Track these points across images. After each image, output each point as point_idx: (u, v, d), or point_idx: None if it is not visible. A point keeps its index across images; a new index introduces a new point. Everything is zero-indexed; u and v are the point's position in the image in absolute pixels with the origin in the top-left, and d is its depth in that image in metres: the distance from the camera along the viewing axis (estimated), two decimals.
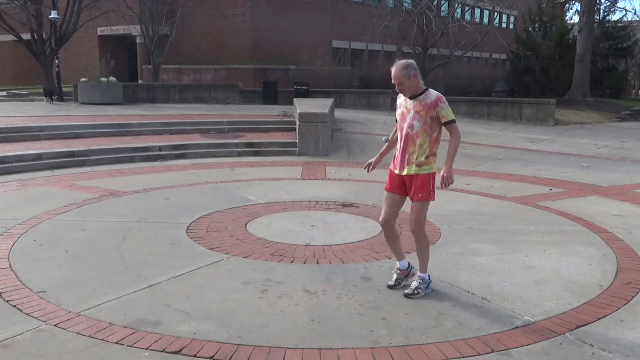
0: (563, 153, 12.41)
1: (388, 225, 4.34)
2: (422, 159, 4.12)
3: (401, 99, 4.26)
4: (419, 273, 4.31)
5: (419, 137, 4.10)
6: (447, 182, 4.06)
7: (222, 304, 4.05)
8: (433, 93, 4.12)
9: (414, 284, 4.27)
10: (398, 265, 4.45)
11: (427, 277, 4.31)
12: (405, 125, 4.16)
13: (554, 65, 26.74)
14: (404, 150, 4.17)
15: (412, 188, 4.17)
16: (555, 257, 5.20)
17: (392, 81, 4.13)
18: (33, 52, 23.78)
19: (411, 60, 4.15)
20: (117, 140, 11.97)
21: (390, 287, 4.39)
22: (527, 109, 18.07)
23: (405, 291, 4.26)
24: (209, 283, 4.45)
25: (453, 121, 4.10)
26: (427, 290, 4.27)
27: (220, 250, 5.24)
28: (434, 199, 4.20)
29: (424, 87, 4.15)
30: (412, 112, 4.13)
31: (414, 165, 4.13)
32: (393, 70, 4.10)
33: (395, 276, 4.44)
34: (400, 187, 4.24)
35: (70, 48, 26.79)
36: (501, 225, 6.31)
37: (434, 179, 4.19)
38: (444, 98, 4.10)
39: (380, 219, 4.38)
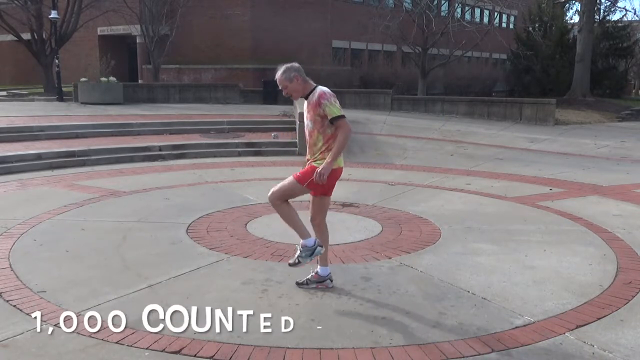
0: (563, 153, 12.41)
1: (313, 223, 4.38)
2: (318, 154, 4.12)
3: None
4: (301, 241, 4.21)
5: (312, 137, 4.13)
6: (317, 177, 3.96)
7: (222, 303, 4.05)
8: (318, 90, 4.06)
9: (297, 253, 4.21)
10: (318, 269, 4.37)
11: (313, 243, 4.17)
12: (304, 125, 4.25)
13: (554, 65, 26.78)
14: (309, 147, 4.23)
15: None
16: (555, 257, 5.19)
17: (279, 86, 4.13)
18: (33, 52, 23.80)
19: (293, 64, 4.13)
20: (117, 140, 11.97)
21: (298, 284, 4.37)
22: (527, 109, 18.07)
23: (289, 261, 4.29)
24: (209, 283, 4.45)
25: (340, 117, 3.99)
26: (311, 258, 4.17)
27: (221, 250, 5.24)
28: (302, 183, 4.10)
29: (314, 85, 4.12)
30: (305, 113, 4.18)
31: (313, 161, 4.14)
32: (277, 75, 4.10)
33: (309, 276, 4.38)
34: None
35: (70, 48, 26.80)
36: (501, 225, 6.31)
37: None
38: (328, 94, 4.01)
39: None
